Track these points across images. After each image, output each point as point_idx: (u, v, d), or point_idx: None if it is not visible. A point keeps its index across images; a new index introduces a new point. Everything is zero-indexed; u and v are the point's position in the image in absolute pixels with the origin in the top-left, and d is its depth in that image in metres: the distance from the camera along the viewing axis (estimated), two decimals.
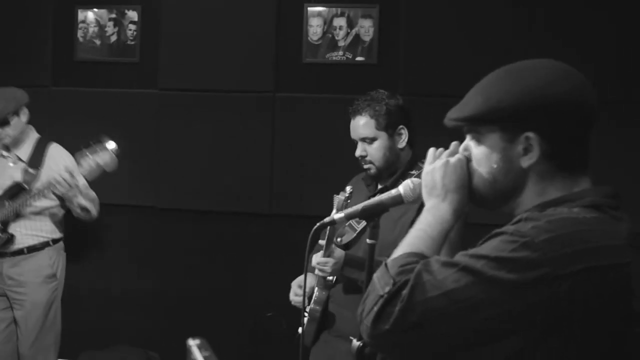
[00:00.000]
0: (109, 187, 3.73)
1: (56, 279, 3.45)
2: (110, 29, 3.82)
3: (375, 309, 1.11)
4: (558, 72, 1.20)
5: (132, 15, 3.78)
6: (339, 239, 2.46)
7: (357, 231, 2.43)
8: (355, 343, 1.58)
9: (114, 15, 3.80)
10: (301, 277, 2.59)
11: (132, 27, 3.80)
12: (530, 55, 1.28)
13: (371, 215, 1.57)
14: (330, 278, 2.47)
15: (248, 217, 3.69)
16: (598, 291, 1.06)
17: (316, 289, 2.51)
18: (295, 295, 2.56)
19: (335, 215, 1.61)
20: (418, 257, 1.18)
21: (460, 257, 1.11)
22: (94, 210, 3.37)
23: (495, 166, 1.22)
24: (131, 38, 3.81)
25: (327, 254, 2.32)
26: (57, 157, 3.37)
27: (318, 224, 1.63)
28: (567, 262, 1.05)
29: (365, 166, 2.48)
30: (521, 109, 1.17)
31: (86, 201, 3.30)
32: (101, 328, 3.85)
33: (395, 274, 1.14)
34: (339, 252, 2.34)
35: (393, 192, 1.52)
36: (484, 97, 1.21)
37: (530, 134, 1.17)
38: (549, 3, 3.36)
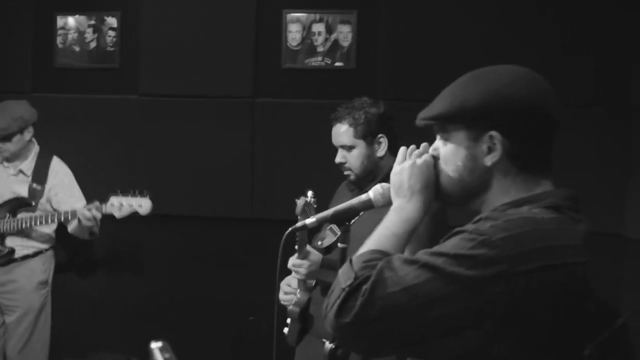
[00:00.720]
0: (89, 194, 3.67)
1: (48, 285, 3.46)
2: (89, 35, 3.82)
3: (338, 302, 1.13)
4: (522, 76, 1.25)
5: (112, 21, 3.78)
6: (319, 242, 2.50)
7: (338, 235, 2.34)
8: (328, 345, 1.61)
9: (93, 22, 3.81)
10: (289, 277, 2.61)
11: (112, 33, 3.80)
12: (506, 60, 1.32)
13: (342, 219, 1.59)
14: (310, 281, 2.49)
15: (230, 222, 3.70)
16: (554, 289, 1.09)
17: (298, 290, 2.54)
18: (284, 294, 2.58)
19: (307, 220, 1.62)
20: (382, 254, 1.21)
21: (422, 254, 1.15)
22: (97, 232, 3.33)
23: (460, 164, 1.26)
24: (111, 44, 3.81)
25: (302, 257, 2.34)
26: (61, 173, 3.39)
27: (290, 229, 1.65)
28: (523, 260, 1.08)
29: (345, 172, 2.51)
30: (485, 109, 1.21)
31: (95, 227, 3.26)
32: (83, 335, 3.84)
33: (358, 269, 1.16)
34: (315, 255, 2.36)
35: (363, 196, 1.53)
36: (450, 98, 1.26)
37: (494, 133, 1.21)
38: (524, 8, 3.40)
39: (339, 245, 1.67)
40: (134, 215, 3.15)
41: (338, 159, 2.49)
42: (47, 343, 3.50)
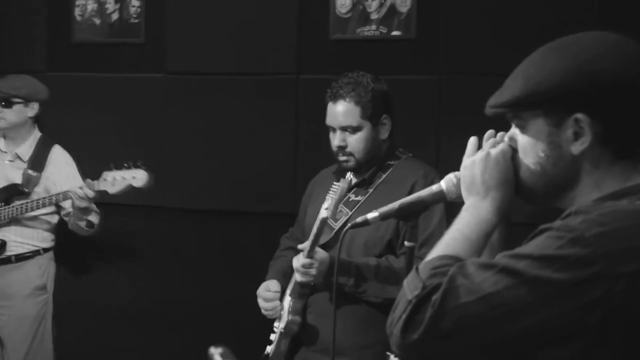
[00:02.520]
0: None
1: (46, 291, 3.44)
2: (111, 5, 3.71)
3: (404, 316, 1.08)
4: (608, 44, 1.15)
5: None
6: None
7: (335, 230, 2.40)
8: (393, 358, 1.54)
9: None
10: (266, 283, 2.58)
11: (136, 3, 3.68)
12: (580, 30, 1.21)
13: (408, 214, 1.51)
14: (306, 286, 2.45)
15: (269, 217, 3.52)
16: None
17: (289, 298, 2.46)
18: (265, 301, 2.51)
19: (369, 215, 1.53)
20: (453, 259, 1.15)
21: (500, 257, 1.08)
22: (97, 223, 3.33)
23: (542, 155, 1.18)
24: (134, 16, 3.69)
25: (310, 256, 2.27)
26: (61, 161, 3.40)
27: (350, 225, 1.60)
28: (623, 259, 1.00)
29: (343, 158, 2.43)
30: (566, 88, 1.13)
31: (93, 215, 3.28)
32: (93, 342, 3.76)
33: (426, 277, 1.11)
34: (322, 254, 2.30)
35: (434, 187, 1.45)
36: (523, 79, 1.18)
37: (580, 116, 1.12)
38: None
39: (406, 244, 1.59)
40: (130, 190, 3.11)
41: (337, 142, 2.41)
42: (48, 355, 3.44)
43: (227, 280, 3.58)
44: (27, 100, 3.31)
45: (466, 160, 1.31)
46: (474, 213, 1.25)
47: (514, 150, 1.26)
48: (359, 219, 1.56)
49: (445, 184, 1.42)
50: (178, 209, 3.67)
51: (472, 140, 1.34)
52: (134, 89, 3.69)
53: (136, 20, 3.67)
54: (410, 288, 1.11)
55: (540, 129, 1.17)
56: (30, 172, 3.31)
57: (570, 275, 1.00)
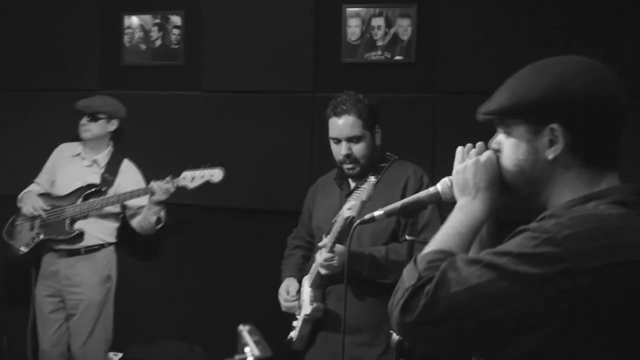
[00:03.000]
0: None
1: (111, 280, 3.58)
2: (155, 33, 3.91)
3: (402, 301, 1.14)
4: (583, 66, 1.22)
5: (176, 19, 3.86)
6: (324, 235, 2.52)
7: (342, 225, 2.45)
8: (395, 337, 1.62)
9: (158, 20, 3.89)
10: (285, 283, 2.69)
11: (176, 31, 3.88)
12: (569, 53, 1.30)
13: (410, 212, 1.60)
14: (324, 276, 2.53)
15: (290, 215, 3.62)
16: (625, 287, 1.07)
17: (309, 289, 2.55)
18: (285, 301, 2.63)
19: (375, 213, 1.62)
20: (446, 254, 1.21)
21: (485, 254, 1.14)
22: (163, 221, 3.47)
23: (522, 157, 1.25)
24: (175, 42, 3.89)
25: (331, 251, 2.39)
26: (131, 171, 3.56)
27: (358, 221, 1.67)
28: (589, 257, 1.06)
29: (348, 166, 2.56)
30: (545, 101, 1.20)
31: (163, 212, 3.43)
32: (147, 322, 3.94)
33: (422, 269, 1.17)
34: (341, 248, 2.39)
35: (431, 189, 1.53)
36: (509, 92, 1.25)
37: (555, 126, 1.19)
38: (587, 1, 3.30)
39: (407, 237, 1.68)
40: (207, 185, 3.28)
41: (344, 151, 2.53)
42: (110, 336, 3.62)
43: (256, 270, 3.74)
44: (110, 117, 3.52)
45: (458, 166, 1.37)
46: (466, 211, 1.30)
47: (498, 155, 1.32)
48: (367, 217, 1.64)
49: (440, 186, 1.49)
50: (214, 207, 3.82)
51: (460, 149, 1.40)
52: (174, 105, 3.86)
53: (176, 46, 3.85)
54: (408, 277, 1.17)
55: (522, 135, 1.24)
56: (107, 175, 3.51)
57: (544, 270, 1.06)
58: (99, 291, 3.52)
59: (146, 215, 3.43)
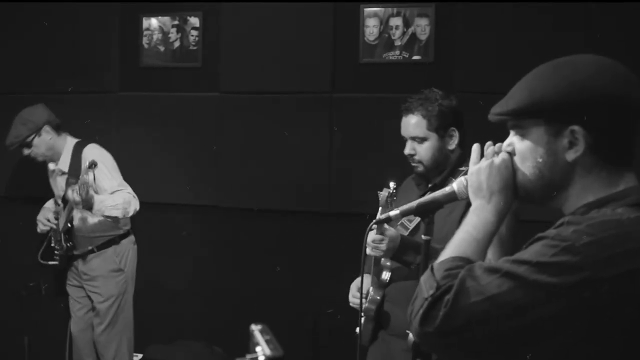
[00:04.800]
0: (173, 188, 3.87)
1: (123, 272, 3.66)
2: (173, 35, 3.92)
3: (421, 311, 1.14)
4: (602, 65, 1.20)
5: (194, 21, 3.87)
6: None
7: (410, 230, 2.45)
8: (412, 338, 1.65)
9: (176, 22, 3.90)
10: (359, 279, 2.56)
11: (194, 32, 3.88)
12: (586, 52, 1.27)
13: (425, 211, 1.59)
14: (385, 277, 2.49)
15: (309, 215, 3.75)
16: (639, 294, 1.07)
17: (371, 288, 2.53)
18: (353, 297, 2.57)
19: (391, 212, 1.63)
20: (463, 261, 1.20)
21: (503, 262, 1.13)
22: (120, 214, 3.37)
23: (540, 160, 1.22)
24: (193, 43, 3.89)
25: (381, 232, 2.29)
26: (93, 157, 3.26)
27: (373, 222, 1.68)
28: (608, 265, 1.05)
29: (413, 164, 2.50)
30: (566, 102, 1.18)
31: (110, 209, 3.31)
32: (167, 323, 3.98)
33: (440, 277, 1.16)
34: (393, 232, 2.31)
35: (447, 189, 1.52)
36: (528, 91, 1.22)
37: (576, 127, 1.17)
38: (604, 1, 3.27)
39: (423, 237, 1.66)
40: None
41: (407, 150, 2.48)
42: (130, 327, 3.74)
43: (273, 270, 3.77)
44: (36, 132, 3.44)
45: (472, 168, 1.34)
46: (480, 215, 1.29)
47: (511, 157, 1.29)
48: (382, 216, 1.66)
49: (456, 185, 1.47)
50: (232, 208, 3.85)
51: (476, 148, 1.37)
52: (193, 106, 3.88)
53: (194, 48, 3.86)
54: (426, 286, 1.16)
55: (540, 137, 1.21)
56: (70, 180, 3.42)
57: (563, 280, 1.05)
58: (112, 283, 3.63)
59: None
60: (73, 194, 3.16)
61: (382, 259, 2.49)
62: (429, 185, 2.51)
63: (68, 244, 3.57)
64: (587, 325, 1.06)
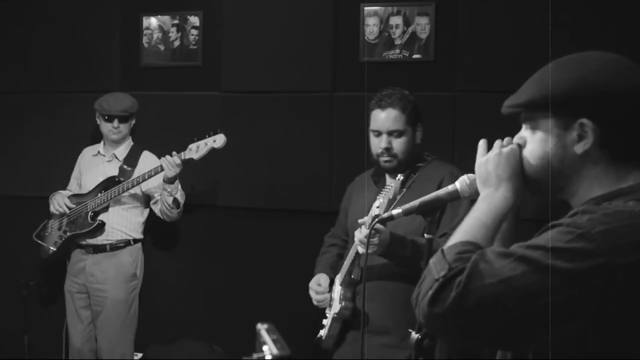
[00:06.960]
0: None
1: (136, 278, 3.63)
2: (173, 34, 3.91)
3: (430, 292, 1.13)
4: (609, 60, 1.24)
5: (194, 20, 3.87)
6: None
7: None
8: (414, 335, 1.61)
9: (176, 21, 3.90)
10: (317, 277, 2.67)
11: (194, 32, 3.88)
12: (591, 49, 1.31)
13: (428, 210, 1.60)
14: (355, 276, 2.51)
15: (309, 215, 3.75)
16: None
17: (339, 287, 2.54)
18: (316, 294, 2.61)
19: (394, 211, 1.64)
20: (474, 246, 1.21)
21: (516, 247, 1.14)
22: (182, 203, 3.49)
23: (550, 152, 1.25)
24: (193, 43, 3.89)
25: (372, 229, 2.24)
26: (150, 161, 3.57)
27: (377, 220, 1.72)
28: (623, 253, 1.07)
29: (386, 159, 2.54)
30: (575, 96, 1.20)
31: (180, 194, 3.47)
32: (167, 323, 3.97)
33: (452, 260, 1.16)
34: (380, 226, 2.29)
35: (450, 187, 1.53)
36: (539, 85, 1.25)
37: (585, 121, 1.20)
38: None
39: (426, 236, 1.68)
40: (212, 154, 3.39)
41: (384, 144, 2.52)
42: (133, 333, 3.68)
43: (275, 269, 3.79)
44: (134, 115, 3.62)
45: (480, 159, 1.36)
46: (489, 202, 1.30)
47: (521, 149, 1.32)
48: (385, 214, 1.68)
49: (459, 184, 1.49)
50: (233, 207, 3.84)
51: (482, 143, 1.39)
52: (193, 106, 3.87)
53: (195, 47, 3.85)
54: (437, 268, 1.16)
55: (550, 129, 1.23)
56: (125, 166, 3.57)
57: (578, 265, 1.06)
58: (124, 289, 3.56)
59: (163, 197, 3.46)
60: (169, 168, 3.34)
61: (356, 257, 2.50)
62: (387, 183, 2.53)
63: (99, 222, 3.54)
64: (599, 312, 1.07)
